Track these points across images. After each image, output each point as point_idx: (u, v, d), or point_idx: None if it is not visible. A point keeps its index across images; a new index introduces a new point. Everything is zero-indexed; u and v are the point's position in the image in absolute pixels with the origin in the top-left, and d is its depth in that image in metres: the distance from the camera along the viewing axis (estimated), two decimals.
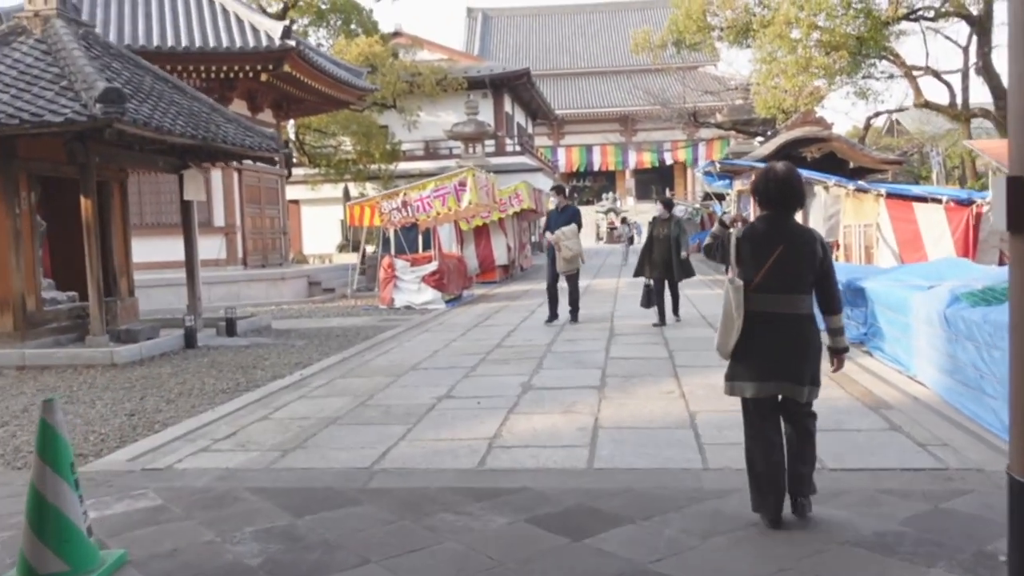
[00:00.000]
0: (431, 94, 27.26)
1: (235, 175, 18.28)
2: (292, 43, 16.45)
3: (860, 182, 14.85)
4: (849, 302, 9.21)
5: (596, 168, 56.14)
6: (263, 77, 17.10)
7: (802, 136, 18.47)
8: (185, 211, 11.90)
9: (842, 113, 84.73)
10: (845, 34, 14.40)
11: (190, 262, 11.89)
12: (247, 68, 16.73)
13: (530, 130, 41.05)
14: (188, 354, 9.95)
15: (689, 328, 10.47)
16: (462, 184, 14.82)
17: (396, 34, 31.29)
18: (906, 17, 15.43)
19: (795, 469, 3.70)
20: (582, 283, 18.58)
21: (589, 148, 55.87)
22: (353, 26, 28.44)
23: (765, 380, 3.64)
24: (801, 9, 15.52)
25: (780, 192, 3.66)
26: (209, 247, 18.03)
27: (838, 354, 3.79)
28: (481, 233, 20.01)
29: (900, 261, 12.94)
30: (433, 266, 14.87)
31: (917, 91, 16.54)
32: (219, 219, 18.20)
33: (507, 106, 33.29)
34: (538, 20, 65.89)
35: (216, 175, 18.02)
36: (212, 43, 16.31)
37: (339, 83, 19.65)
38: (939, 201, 12.41)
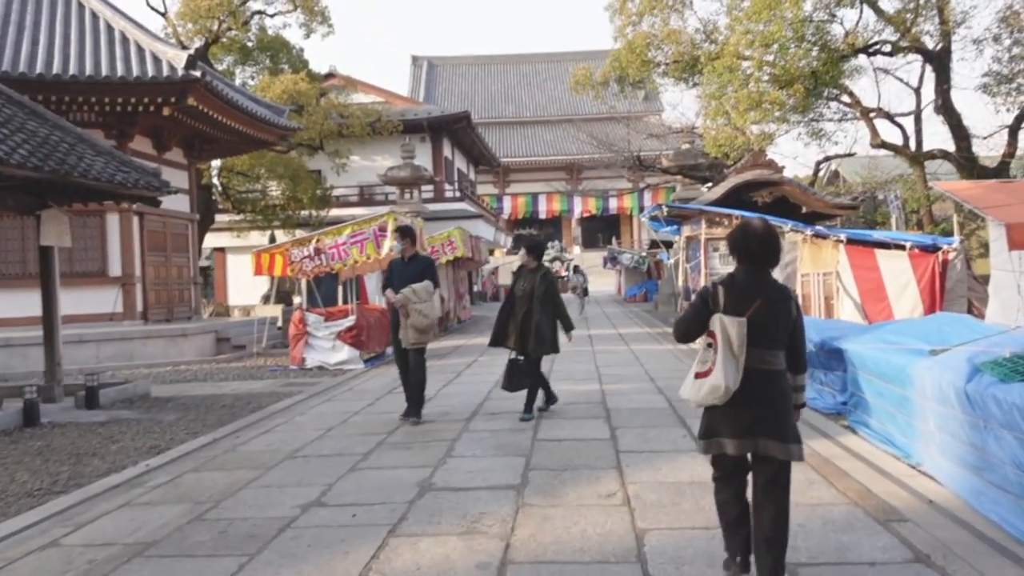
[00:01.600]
0: (361, 135, 25.81)
1: (134, 219, 16.40)
2: (197, 73, 14.81)
3: (818, 227, 13.74)
4: (823, 364, 7.84)
5: (542, 216, 55.38)
6: (166, 111, 15.36)
7: (753, 179, 17.40)
8: (44, 258, 10.04)
9: (791, 157, 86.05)
10: (799, 68, 13.39)
11: (48, 319, 10.01)
12: (146, 100, 15.02)
13: (472, 176, 39.81)
14: (22, 434, 8.04)
15: (636, 395, 8.95)
16: (382, 229, 13.20)
17: (330, 75, 29.87)
18: (863, 50, 14.55)
19: (767, 551, 3.28)
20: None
21: (535, 196, 55.19)
22: (283, 65, 26.94)
23: (745, 437, 3.40)
24: (751, 45, 14.53)
25: (761, 248, 3.52)
26: (103, 299, 16.12)
27: (795, 409, 3.60)
28: None
29: (863, 312, 11.87)
30: (349, 321, 13.13)
31: (873, 131, 15.62)
32: (115, 268, 16.25)
33: (447, 151, 31.99)
34: (484, 69, 65.52)
35: (113, 219, 16.19)
36: (105, 71, 14.58)
37: (256, 120, 18.03)
38: (902, 247, 11.40)
